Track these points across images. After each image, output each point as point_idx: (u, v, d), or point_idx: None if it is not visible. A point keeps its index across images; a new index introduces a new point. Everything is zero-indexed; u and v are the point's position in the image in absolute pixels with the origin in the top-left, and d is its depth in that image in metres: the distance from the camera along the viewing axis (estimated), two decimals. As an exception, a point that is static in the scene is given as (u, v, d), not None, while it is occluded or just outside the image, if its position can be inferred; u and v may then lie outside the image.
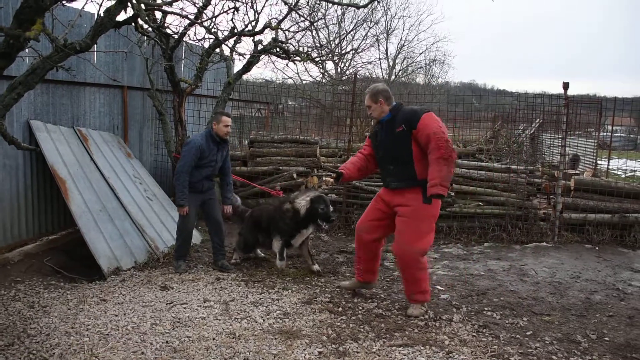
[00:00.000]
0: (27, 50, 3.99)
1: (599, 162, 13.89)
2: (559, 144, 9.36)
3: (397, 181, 5.00)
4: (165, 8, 4.20)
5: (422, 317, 4.91)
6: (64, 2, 3.39)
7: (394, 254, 5.24)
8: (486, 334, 4.59)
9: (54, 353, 4.01)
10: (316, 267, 6.25)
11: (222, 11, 6.95)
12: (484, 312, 5.13)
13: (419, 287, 4.99)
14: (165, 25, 7.31)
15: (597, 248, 7.61)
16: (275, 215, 6.24)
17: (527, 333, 4.63)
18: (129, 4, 3.61)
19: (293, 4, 7.38)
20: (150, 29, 6.08)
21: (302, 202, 6.02)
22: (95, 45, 4.95)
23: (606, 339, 4.54)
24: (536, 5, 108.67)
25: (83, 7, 4.18)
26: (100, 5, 3.90)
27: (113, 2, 3.87)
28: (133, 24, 4.30)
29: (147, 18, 3.80)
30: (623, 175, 16.19)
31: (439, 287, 5.86)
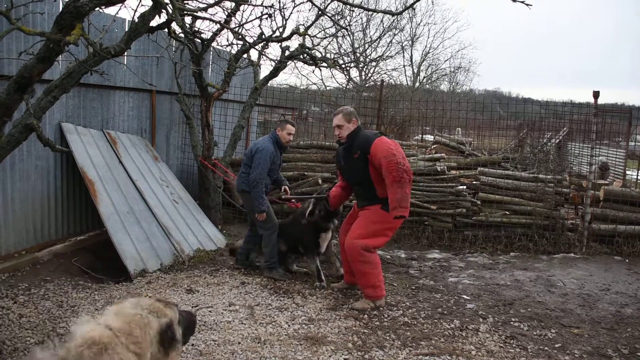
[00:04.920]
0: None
1: (627, 172, 13.62)
2: (587, 154, 9.21)
3: (362, 200, 5.51)
4: (199, 13, 4.25)
5: (448, 327, 4.87)
6: (102, 8, 3.45)
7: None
8: (514, 345, 4.53)
9: (82, 353, 4.05)
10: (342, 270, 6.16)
11: (254, 17, 7.02)
12: (511, 322, 5.05)
13: (367, 281, 5.31)
14: (200, 31, 7.39)
15: (627, 260, 7.45)
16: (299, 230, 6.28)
17: (556, 345, 4.55)
18: (164, 10, 3.66)
19: (323, 8, 7.40)
20: (182, 34, 6.15)
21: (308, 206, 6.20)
22: (127, 50, 5.04)
23: (639, 354, 4.44)
24: (560, 13, 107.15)
25: (117, 13, 4.26)
26: (135, 11, 3.97)
27: (147, 8, 3.94)
28: (166, 29, 4.37)
29: (182, 24, 3.85)
30: (653, 187, 15.83)
31: (465, 296, 5.80)
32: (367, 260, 5.27)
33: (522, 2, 3.08)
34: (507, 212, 8.18)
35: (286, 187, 6.62)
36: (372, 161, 5.13)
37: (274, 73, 8.58)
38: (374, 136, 5.21)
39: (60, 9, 3.85)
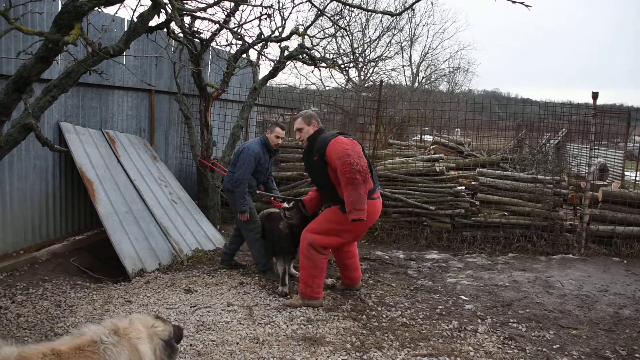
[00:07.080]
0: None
1: (626, 173, 13.62)
2: (586, 154, 9.22)
3: (328, 202, 5.42)
4: (198, 14, 4.25)
5: (447, 328, 4.87)
6: (101, 7, 3.45)
7: None
8: (512, 346, 4.53)
9: (81, 353, 4.05)
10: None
11: (254, 17, 7.00)
12: (510, 323, 5.06)
13: (303, 276, 5.29)
14: (199, 31, 7.38)
15: (625, 261, 7.46)
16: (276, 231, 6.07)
17: (554, 347, 4.56)
18: (163, 10, 3.65)
19: (322, 8, 7.40)
20: (181, 34, 6.14)
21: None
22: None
23: (637, 355, 4.44)
24: (559, 13, 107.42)
25: (116, 12, 4.25)
26: (134, 11, 3.97)
27: (146, 8, 3.93)
28: (165, 29, 4.36)
29: (181, 24, 3.84)
30: (651, 188, 15.83)
31: (463, 297, 5.80)
32: (310, 257, 5.22)
33: (522, 3, 3.08)
34: (505, 213, 8.18)
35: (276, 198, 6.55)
36: (329, 163, 4.97)
37: (273, 73, 8.58)
38: (331, 137, 5.02)
39: (59, 8, 3.85)
